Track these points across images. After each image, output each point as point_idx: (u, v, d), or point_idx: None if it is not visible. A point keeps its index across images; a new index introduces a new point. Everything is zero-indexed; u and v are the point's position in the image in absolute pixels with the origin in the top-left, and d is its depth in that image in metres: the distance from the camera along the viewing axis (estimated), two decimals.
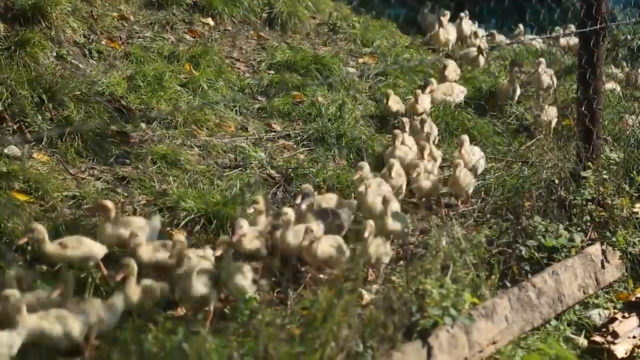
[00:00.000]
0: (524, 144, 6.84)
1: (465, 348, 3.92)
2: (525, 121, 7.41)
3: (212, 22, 8.17)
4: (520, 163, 6.25)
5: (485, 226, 5.29)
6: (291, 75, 7.53)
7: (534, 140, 6.74)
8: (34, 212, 4.88)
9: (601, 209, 5.29)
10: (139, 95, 6.40)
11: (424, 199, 5.80)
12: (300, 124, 6.84)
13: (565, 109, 7.06)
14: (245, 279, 4.27)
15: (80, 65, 6.55)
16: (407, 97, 7.39)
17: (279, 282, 4.56)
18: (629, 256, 5.16)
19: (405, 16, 10.62)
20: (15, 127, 5.60)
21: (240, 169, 5.94)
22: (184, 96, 6.61)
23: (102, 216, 4.56)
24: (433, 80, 7.37)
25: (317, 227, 4.63)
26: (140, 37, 7.37)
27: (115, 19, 7.44)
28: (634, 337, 4.44)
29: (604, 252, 5.04)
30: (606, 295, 4.93)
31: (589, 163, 5.48)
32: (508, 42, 9.68)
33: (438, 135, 6.92)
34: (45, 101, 5.81)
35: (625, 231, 5.24)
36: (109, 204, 4.56)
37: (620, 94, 7.88)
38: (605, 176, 5.48)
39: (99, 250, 4.35)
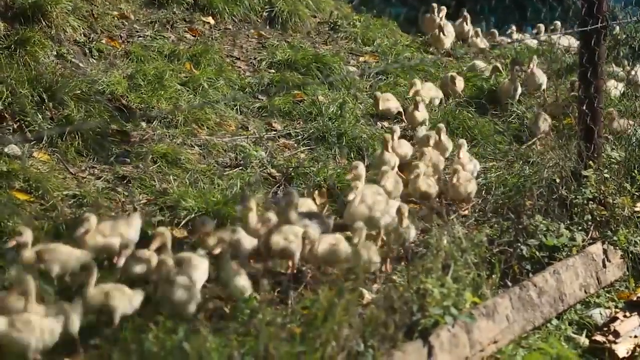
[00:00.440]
0: (524, 142, 6.83)
1: (466, 347, 3.92)
2: (526, 120, 7.39)
3: (212, 21, 8.17)
4: (521, 162, 6.24)
5: (486, 225, 5.28)
6: (292, 74, 7.52)
7: (535, 139, 6.73)
8: (34, 212, 4.88)
9: (602, 208, 5.28)
10: (140, 94, 6.40)
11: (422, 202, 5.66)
12: (301, 122, 6.83)
13: (566, 107, 7.06)
14: (244, 278, 4.26)
15: (81, 64, 6.55)
16: (407, 97, 7.38)
17: (280, 282, 4.55)
18: (630, 255, 5.15)
19: (406, 15, 10.62)
20: (15, 126, 5.61)
21: (240, 168, 5.93)
22: (185, 95, 6.60)
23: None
24: (417, 81, 7.31)
25: (312, 228, 4.64)
26: (140, 36, 7.36)
27: (116, 18, 7.43)
28: (636, 336, 4.43)
29: (605, 251, 5.03)
30: (607, 295, 4.93)
31: (590, 162, 5.47)
32: (509, 41, 9.67)
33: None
34: (46, 100, 5.81)
35: (627, 230, 5.23)
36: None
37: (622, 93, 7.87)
38: (606, 175, 5.47)
39: (77, 258, 4.19)
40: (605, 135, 5.97)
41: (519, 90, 7.79)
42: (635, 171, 5.76)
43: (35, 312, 3.71)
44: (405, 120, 6.92)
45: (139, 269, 4.26)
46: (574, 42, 9.30)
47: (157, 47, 7.20)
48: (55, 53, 6.48)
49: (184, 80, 6.81)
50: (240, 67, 7.63)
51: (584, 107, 5.54)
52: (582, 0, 5.57)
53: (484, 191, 5.94)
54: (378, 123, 7.09)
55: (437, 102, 7.41)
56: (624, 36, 8.42)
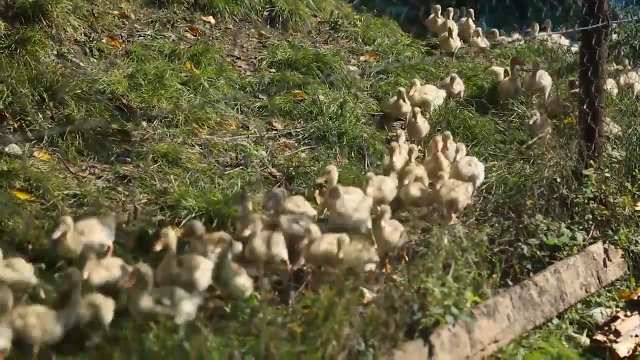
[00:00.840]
0: (525, 142, 6.83)
1: (467, 347, 3.92)
2: (527, 119, 7.38)
3: (213, 21, 8.16)
4: (522, 161, 6.24)
5: (486, 224, 5.27)
6: (292, 73, 7.51)
7: (536, 138, 6.72)
8: (35, 211, 4.88)
9: (603, 207, 5.28)
10: (140, 93, 6.40)
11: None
12: (302, 122, 6.83)
13: (567, 107, 7.06)
14: (245, 277, 4.26)
15: (81, 64, 6.55)
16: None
17: (280, 281, 4.55)
18: (631, 254, 5.15)
19: (406, 14, 10.61)
20: (16, 125, 5.61)
21: (241, 167, 5.94)
22: (185, 94, 6.60)
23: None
24: (417, 81, 7.29)
25: (316, 227, 4.62)
26: (141, 36, 7.36)
27: (116, 17, 7.43)
28: (636, 335, 4.43)
29: (606, 251, 5.03)
30: (608, 294, 4.93)
31: (591, 161, 5.47)
32: (509, 40, 9.66)
33: (439, 132, 6.92)
34: (46, 99, 5.81)
35: (628, 229, 5.23)
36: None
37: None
38: (607, 174, 5.47)
39: (29, 276, 4.07)
40: (606, 135, 5.96)
41: (520, 89, 7.79)
42: (636, 170, 5.76)
43: None
44: (406, 131, 6.72)
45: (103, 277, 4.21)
46: (565, 42, 9.32)
47: (157, 46, 7.19)
48: (55, 52, 6.48)
49: (185, 80, 6.81)
50: (240, 67, 7.62)
51: (585, 107, 5.54)
52: (583, 0, 5.57)
53: (484, 190, 5.94)
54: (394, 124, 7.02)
55: (438, 102, 7.36)
56: (625, 35, 8.41)
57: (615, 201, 5.29)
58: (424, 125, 6.54)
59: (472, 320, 3.91)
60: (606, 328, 4.48)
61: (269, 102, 6.95)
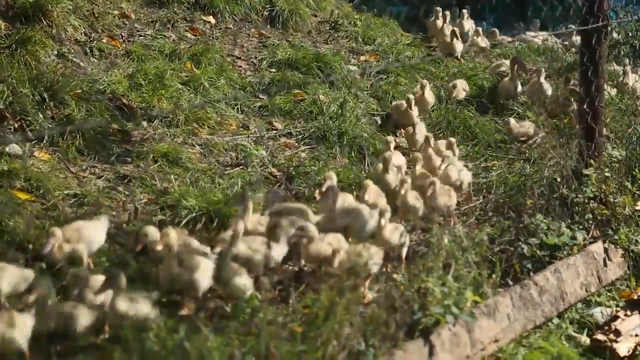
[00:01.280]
0: (525, 141, 6.83)
1: (467, 346, 3.92)
2: (527, 119, 7.39)
3: (213, 20, 8.17)
4: (522, 161, 6.24)
5: (487, 224, 5.28)
6: (292, 73, 7.52)
7: (536, 138, 6.73)
8: (36, 211, 4.88)
9: (603, 206, 5.28)
10: (140, 93, 6.41)
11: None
12: (302, 122, 6.83)
13: (567, 106, 7.07)
14: (245, 277, 4.26)
15: (82, 64, 6.55)
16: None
17: (281, 281, 4.55)
18: (631, 254, 5.15)
19: (406, 14, 10.61)
20: (16, 125, 5.61)
21: (241, 167, 5.94)
22: (185, 94, 6.60)
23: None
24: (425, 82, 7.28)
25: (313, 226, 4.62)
26: (141, 35, 7.36)
27: (117, 17, 7.44)
28: (637, 335, 4.42)
29: (606, 250, 5.03)
30: (608, 294, 4.93)
31: (591, 161, 5.47)
32: (509, 40, 9.67)
33: (440, 132, 6.93)
34: (47, 99, 5.82)
35: (628, 229, 5.23)
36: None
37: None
38: (607, 174, 5.47)
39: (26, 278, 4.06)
40: (606, 134, 5.96)
41: (520, 88, 7.80)
42: (636, 170, 5.76)
43: None
44: (405, 140, 6.72)
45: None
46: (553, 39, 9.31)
47: (158, 46, 7.20)
48: (56, 52, 6.49)
49: (185, 80, 6.81)
50: (241, 67, 7.63)
51: (585, 106, 5.54)
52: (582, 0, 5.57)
53: (485, 190, 5.94)
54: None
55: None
56: (625, 35, 8.42)
57: (615, 201, 5.29)
58: (422, 135, 6.44)
59: (473, 320, 3.92)
60: (606, 327, 4.48)
61: (269, 101, 6.96)
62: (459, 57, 8.84)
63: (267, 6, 8.67)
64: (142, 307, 3.92)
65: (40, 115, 5.70)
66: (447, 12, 9.18)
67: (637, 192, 5.62)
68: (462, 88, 7.72)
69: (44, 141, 5.58)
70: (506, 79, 7.92)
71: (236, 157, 6.08)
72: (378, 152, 6.48)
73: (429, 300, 3.82)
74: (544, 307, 4.47)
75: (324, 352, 3.45)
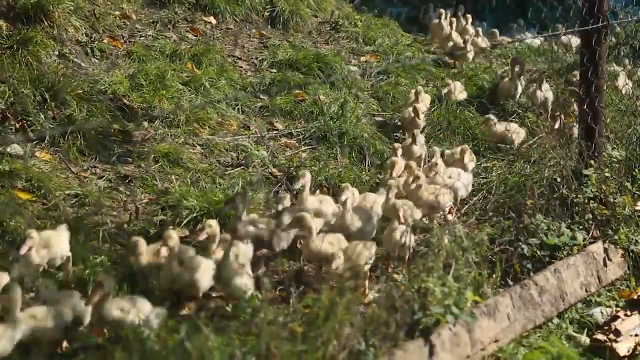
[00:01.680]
0: (525, 141, 6.84)
1: (468, 346, 3.92)
2: (527, 119, 7.39)
3: (214, 21, 8.18)
4: (522, 161, 6.24)
5: (487, 224, 5.28)
6: (293, 73, 7.53)
7: (536, 138, 6.73)
8: (37, 211, 4.89)
9: (603, 207, 5.29)
10: (141, 93, 6.42)
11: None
12: (302, 122, 6.84)
13: (567, 107, 7.06)
14: (246, 277, 4.27)
15: (83, 64, 6.56)
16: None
17: (281, 281, 4.56)
18: (631, 254, 5.15)
19: (407, 14, 10.62)
20: (17, 125, 5.62)
21: (242, 167, 5.95)
22: (186, 95, 6.61)
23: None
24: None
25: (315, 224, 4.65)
26: (142, 36, 7.37)
27: (118, 18, 7.45)
28: (637, 335, 4.43)
29: (606, 250, 5.04)
30: (608, 294, 4.93)
31: (591, 161, 5.48)
32: (509, 40, 9.67)
33: (440, 132, 6.94)
34: (48, 100, 5.82)
35: (628, 229, 5.23)
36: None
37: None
38: (607, 174, 5.48)
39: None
40: (606, 135, 5.97)
41: (520, 89, 7.80)
42: (636, 170, 5.77)
43: None
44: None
45: None
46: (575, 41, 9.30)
47: (158, 46, 7.21)
48: (57, 53, 6.49)
49: (186, 80, 6.82)
50: (241, 67, 7.64)
51: (585, 107, 5.54)
52: (583, 0, 5.57)
53: (485, 190, 5.95)
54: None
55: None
56: (625, 35, 8.42)
57: (615, 201, 5.29)
58: (422, 149, 6.33)
59: (473, 320, 3.92)
60: (606, 327, 4.48)
61: (270, 102, 6.96)
62: (466, 59, 8.83)
63: (267, 7, 8.68)
64: (141, 307, 3.93)
65: (42, 116, 5.71)
66: (453, 19, 9.18)
67: (637, 192, 5.62)
68: (460, 90, 7.69)
69: (45, 141, 5.59)
70: (506, 79, 7.92)
71: (237, 157, 6.09)
72: (379, 152, 6.50)
73: (429, 300, 3.83)
74: (544, 307, 4.47)
75: (324, 352, 3.45)
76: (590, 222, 5.21)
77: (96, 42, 6.91)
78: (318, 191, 5.46)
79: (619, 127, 6.53)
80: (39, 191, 5.06)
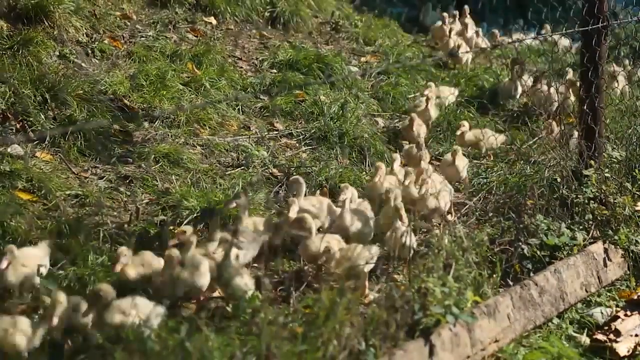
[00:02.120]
0: (525, 142, 6.83)
1: (468, 346, 3.93)
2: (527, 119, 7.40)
3: (214, 21, 8.18)
4: (522, 161, 6.24)
5: (487, 224, 5.29)
6: (293, 74, 7.53)
7: (536, 138, 6.73)
8: (37, 211, 4.89)
9: (603, 207, 5.29)
10: (142, 94, 6.42)
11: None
12: (303, 122, 6.84)
13: (568, 107, 7.06)
14: (247, 277, 4.28)
15: (83, 64, 6.56)
16: (409, 96, 7.43)
17: (282, 281, 4.57)
18: (631, 254, 5.16)
19: (407, 15, 10.63)
20: (18, 126, 5.63)
21: (242, 167, 5.95)
22: (187, 95, 6.62)
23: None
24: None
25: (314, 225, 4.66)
26: (142, 36, 7.38)
27: (118, 18, 7.45)
28: (637, 335, 4.43)
29: (606, 251, 5.04)
30: (608, 294, 4.93)
31: (591, 161, 5.48)
32: (509, 41, 9.67)
33: (440, 133, 6.94)
34: (48, 100, 5.83)
35: (628, 229, 5.23)
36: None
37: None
38: (607, 174, 5.48)
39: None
40: (606, 135, 5.97)
41: (520, 89, 7.80)
42: (636, 170, 5.77)
43: None
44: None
45: None
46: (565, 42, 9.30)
47: (159, 47, 7.21)
48: (57, 53, 6.49)
49: (186, 81, 6.83)
50: (242, 67, 7.64)
51: (585, 107, 5.55)
52: (583, 0, 5.57)
53: (485, 190, 5.95)
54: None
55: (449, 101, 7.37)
56: (624, 36, 8.42)
57: (615, 201, 5.30)
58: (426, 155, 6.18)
59: (473, 320, 3.92)
60: (606, 328, 4.48)
61: (270, 102, 6.97)
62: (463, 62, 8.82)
63: (268, 7, 8.68)
64: (141, 307, 3.93)
65: (42, 116, 5.71)
66: (455, 20, 9.18)
67: (637, 192, 5.62)
68: (449, 93, 7.58)
69: (46, 142, 5.59)
70: (506, 79, 7.93)
71: (237, 157, 6.10)
72: (379, 153, 6.50)
73: (430, 300, 3.83)
74: (544, 307, 4.48)
75: (324, 352, 3.46)
76: (591, 222, 5.21)
77: (97, 43, 6.92)
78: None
79: (619, 127, 6.53)
80: (40, 191, 5.07)
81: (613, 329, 4.43)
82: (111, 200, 5.26)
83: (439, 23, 9.29)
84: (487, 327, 4.07)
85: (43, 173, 5.22)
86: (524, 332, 4.32)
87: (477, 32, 9.52)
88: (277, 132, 6.64)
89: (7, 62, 6.00)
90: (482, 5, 10.69)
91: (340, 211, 4.99)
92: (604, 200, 5.32)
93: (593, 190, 5.32)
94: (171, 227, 4.87)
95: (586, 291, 4.81)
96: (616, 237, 5.13)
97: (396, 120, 7.24)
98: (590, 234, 5.14)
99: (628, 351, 4.31)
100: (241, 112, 6.79)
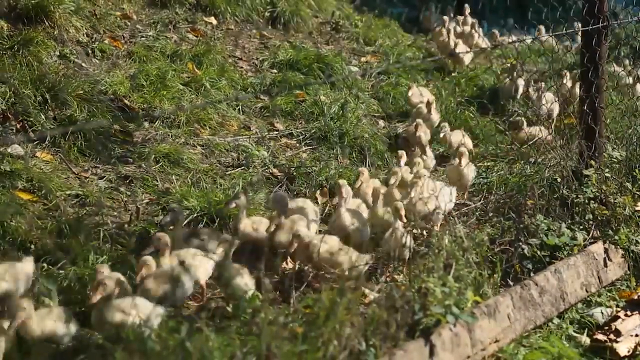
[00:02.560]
0: (526, 142, 6.84)
1: (468, 346, 3.93)
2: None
3: (214, 21, 8.19)
4: (522, 161, 6.25)
5: (487, 224, 5.29)
6: (294, 74, 7.54)
7: (536, 138, 6.74)
8: (37, 211, 4.89)
9: (603, 207, 5.29)
10: (142, 94, 6.43)
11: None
12: (303, 122, 6.85)
13: (567, 106, 7.06)
14: (247, 277, 4.28)
15: (84, 65, 6.56)
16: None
17: (282, 281, 4.57)
18: (631, 254, 5.16)
19: (407, 15, 10.64)
20: (18, 126, 5.63)
21: (243, 167, 5.95)
22: (187, 95, 6.62)
23: None
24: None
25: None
26: (143, 36, 7.38)
27: (118, 18, 7.46)
28: (637, 335, 4.43)
29: (606, 251, 5.04)
30: (608, 294, 4.93)
31: (592, 161, 5.48)
32: (509, 41, 9.68)
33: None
34: (49, 100, 5.83)
35: (628, 229, 5.23)
36: None
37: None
38: (607, 174, 5.48)
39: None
40: (607, 135, 5.97)
41: (521, 89, 7.81)
42: (636, 170, 5.77)
43: None
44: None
45: None
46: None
47: (159, 47, 7.21)
48: (58, 53, 6.50)
49: (187, 81, 6.83)
50: (242, 67, 7.65)
51: (585, 107, 5.55)
52: (583, 0, 5.58)
53: (485, 190, 5.95)
54: None
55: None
56: (625, 36, 8.42)
57: (616, 201, 5.30)
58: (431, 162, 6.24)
59: (473, 320, 3.92)
60: (606, 328, 4.48)
61: (271, 102, 6.97)
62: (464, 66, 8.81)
63: (268, 7, 8.69)
64: (142, 307, 3.93)
65: (42, 116, 5.71)
66: (455, 24, 9.18)
67: (637, 192, 5.62)
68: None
69: (46, 142, 5.59)
70: (507, 80, 7.93)
71: (237, 157, 6.10)
72: (379, 153, 6.50)
73: (430, 300, 3.83)
74: (545, 308, 4.47)
75: (324, 352, 3.46)
76: (591, 222, 5.21)
77: (97, 43, 6.92)
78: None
79: (619, 127, 6.53)
80: (40, 191, 5.07)
81: (613, 329, 4.43)
82: (111, 200, 5.26)
83: (438, 28, 9.29)
84: (488, 327, 4.07)
85: (43, 173, 5.22)
86: (524, 332, 4.32)
87: (478, 33, 9.52)
88: (277, 132, 6.65)
89: (7, 62, 6.01)
90: (482, 5, 10.68)
91: (337, 210, 4.96)
92: (604, 200, 5.32)
93: (593, 190, 5.33)
94: (171, 227, 4.86)
95: (586, 291, 4.81)
96: (616, 237, 5.13)
97: (399, 125, 7.23)
98: (591, 234, 5.14)
99: (628, 351, 4.31)
100: (241, 112, 6.79)
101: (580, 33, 5.82)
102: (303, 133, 6.63)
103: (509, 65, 8.46)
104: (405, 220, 4.80)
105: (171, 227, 4.67)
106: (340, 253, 4.53)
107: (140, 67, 6.74)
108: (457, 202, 5.88)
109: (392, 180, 5.35)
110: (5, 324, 3.70)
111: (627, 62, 8.61)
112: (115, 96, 6.28)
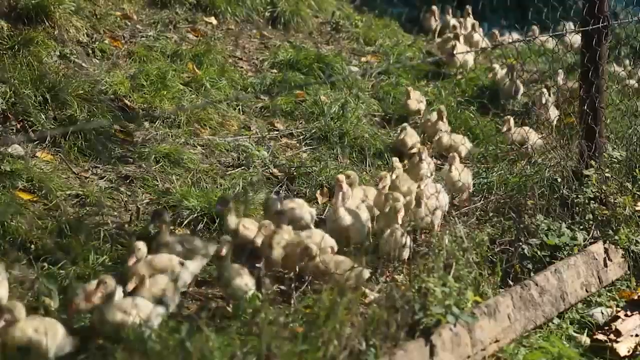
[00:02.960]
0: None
1: (468, 346, 3.93)
2: (528, 119, 7.40)
3: (215, 21, 8.19)
4: (522, 161, 6.24)
5: (487, 224, 5.29)
6: (294, 74, 7.54)
7: (536, 139, 6.74)
8: (38, 211, 4.90)
9: (604, 207, 5.29)
10: (142, 94, 6.42)
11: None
12: (303, 122, 6.85)
13: (568, 106, 7.06)
14: (247, 277, 4.28)
15: (84, 65, 6.56)
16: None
17: (282, 281, 4.57)
18: (631, 254, 5.16)
19: (407, 15, 10.63)
20: (18, 126, 5.63)
21: (243, 167, 5.95)
22: (187, 95, 6.62)
23: None
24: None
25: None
26: (143, 36, 7.38)
27: (119, 18, 7.46)
28: (637, 335, 4.43)
29: (606, 251, 5.04)
30: (609, 294, 4.93)
31: (592, 161, 5.48)
32: (509, 41, 9.68)
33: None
34: (49, 100, 5.83)
35: (628, 229, 5.24)
36: None
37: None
38: (607, 174, 5.48)
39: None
40: (607, 135, 5.97)
41: (521, 89, 7.80)
42: (637, 170, 5.77)
43: None
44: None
45: None
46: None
47: (159, 47, 7.21)
48: (58, 53, 6.50)
49: (187, 81, 6.83)
50: (242, 67, 7.65)
51: (586, 107, 5.55)
52: (583, 0, 5.58)
53: (485, 190, 5.95)
54: None
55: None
56: (625, 36, 8.43)
57: (616, 201, 5.30)
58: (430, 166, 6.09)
59: (473, 320, 3.92)
60: (607, 328, 4.48)
61: (271, 102, 6.97)
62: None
63: (268, 7, 8.69)
64: (142, 307, 3.93)
65: (43, 116, 5.71)
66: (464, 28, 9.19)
67: (638, 192, 5.63)
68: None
69: (46, 142, 5.59)
70: (507, 80, 7.93)
71: (238, 157, 6.10)
72: (379, 153, 6.51)
73: (430, 300, 3.83)
74: (545, 308, 4.48)
75: (325, 352, 3.46)
76: (591, 222, 5.21)
77: (97, 43, 6.92)
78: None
79: (619, 127, 6.53)
80: (40, 191, 5.07)
81: (613, 329, 4.43)
82: (111, 200, 5.26)
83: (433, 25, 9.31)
84: (488, 327, 4.07)
85: (43, 173, 5.22)
86: (525, 332, 4.33)
87: (477, 32, 9.52)
88: (277, 132, 6.65)
89: (7, 62, 6.00)
90: (483, 5, 10.68)
91: (335, 208, 4.94)
92: (604, 200, 5.33)
93: (593, 190, 5.33)
94: (171, 227, 4.87)
95: (586, 291, 4.81)
96: (616, 237, 5.14)
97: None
98: (591, 234, 5.14)
99: (628, 351, 4.31)
100: (242, 112, 6.80)
101: (578, 33, 5.81)
102: (303, 133, 6.63)
103: (507, 65, 8.45)
104: (401, 222, 4.77)
105: (156, 230, 4.66)
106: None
107: (141, 67, 6.74)
108: (457, 204, 5.89)
109: (382, 184, 5.23)
110: None
111: (627, 62, 8.60)
112: (116, 96, 6.28)
